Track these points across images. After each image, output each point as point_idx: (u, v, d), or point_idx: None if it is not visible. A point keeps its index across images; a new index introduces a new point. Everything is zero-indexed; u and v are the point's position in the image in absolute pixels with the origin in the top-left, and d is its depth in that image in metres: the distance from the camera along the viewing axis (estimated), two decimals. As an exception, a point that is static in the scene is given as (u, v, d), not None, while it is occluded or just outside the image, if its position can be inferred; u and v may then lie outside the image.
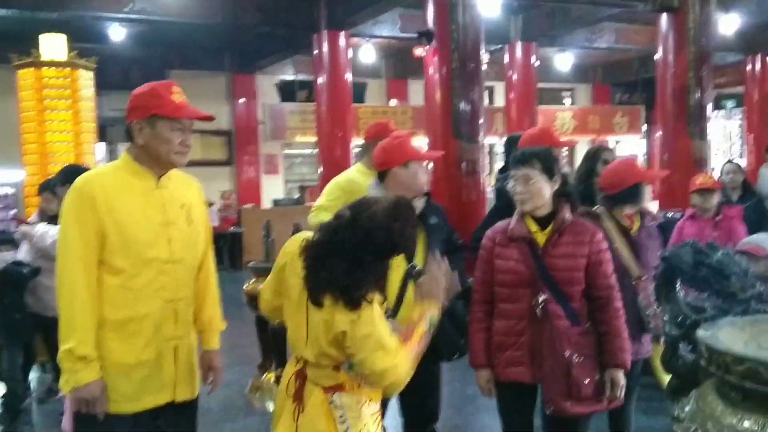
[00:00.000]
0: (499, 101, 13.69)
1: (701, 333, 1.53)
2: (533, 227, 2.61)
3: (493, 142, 13.16)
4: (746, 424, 1.39)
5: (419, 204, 2.97)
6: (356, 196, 3.87)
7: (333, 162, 9.42)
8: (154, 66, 11.91)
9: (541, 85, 12.81)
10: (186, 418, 2.39)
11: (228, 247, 11.17)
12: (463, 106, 7.27)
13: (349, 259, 1.92)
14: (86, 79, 6.72)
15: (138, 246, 2.19)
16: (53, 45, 6.43)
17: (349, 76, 9.87)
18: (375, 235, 1.93)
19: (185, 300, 2.31)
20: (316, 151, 12.50)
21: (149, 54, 11.54)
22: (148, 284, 2.21)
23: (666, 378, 3.02)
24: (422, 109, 13.13)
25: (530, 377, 2.59)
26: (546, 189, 2.57)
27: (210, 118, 2.38)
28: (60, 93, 6.39)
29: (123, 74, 11.23)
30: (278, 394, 2.19)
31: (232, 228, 11.40)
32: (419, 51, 7.57)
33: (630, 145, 16.70)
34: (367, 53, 11.81)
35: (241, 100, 13.10)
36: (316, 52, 9.74)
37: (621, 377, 2.55)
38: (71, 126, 6.49)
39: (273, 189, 13.40)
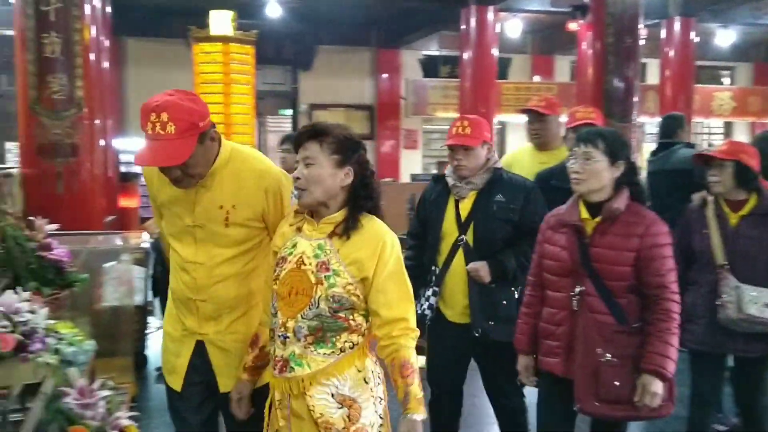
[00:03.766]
0: (652, 79, 12.99)
1: None
2: (584, 214, 2.45)
3: (644, 121, 12.55)
4: None
5: (484, 177, 3.02)
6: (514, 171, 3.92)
7: (474, 138, 9.39)
8: (305, 42, 12.36)
9: (698, 62, 12.02)
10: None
11: (367, 219, 11.46)
12: (616, 83, 7.01)
13: None
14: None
15: (170, 237, 2.27)
16: (223, 21, 6.83)
17: (495, 52, 9.75)
18: None
19: (210, 301, 2.23)
20: (456, 127, 12.48)
21: (301, 30, 11.96)
22: (177, 276, 2.26)
23: None
24: (568, 86, 12.82)
25: (563, 370, 2.45)
26: (605, 173, 2.39)
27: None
28: (242, 68, 6.83)
29: (276, 50, 11.73)
30: None
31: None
32: (572, 25, 7.38)
33: (796, 130, 15.31)
34: (514, 28, 11.60)
35: (385, 75, 13.30)
36: (463, 27, 9.69)
37: (654, 385, 2.29)
38: (249, 99, 6.92)
39: (411, 164, 13.56)
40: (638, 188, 2.47)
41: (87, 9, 4.91)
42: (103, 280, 3.84)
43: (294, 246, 2.01)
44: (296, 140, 2.03)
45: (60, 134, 4.81)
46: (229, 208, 2.18)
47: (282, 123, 13.15)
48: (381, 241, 1.96)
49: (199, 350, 2.25)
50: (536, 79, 13.87)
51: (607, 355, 2.33)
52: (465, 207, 3.03)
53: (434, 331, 3.16)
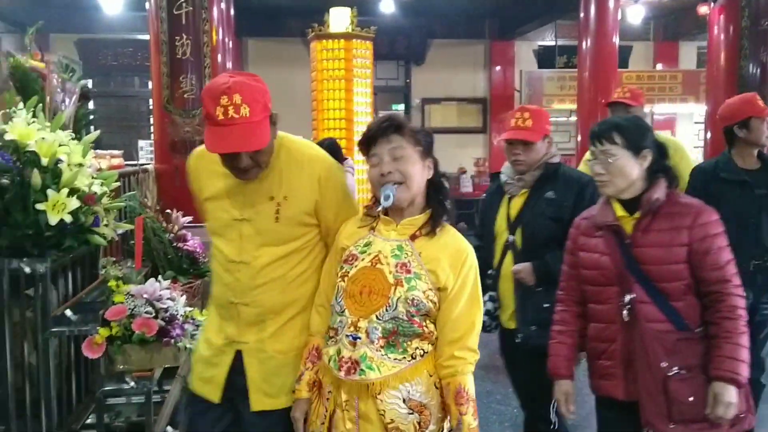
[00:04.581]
0: (789, 64, 12.05)
1: None
2: (620, 212, 2.18)
3: (779, 110, 11.67)
4: None
5: (534, 174, 2.80)
6: None
7: (593, 130, 9.07)
8: (418, 36, 12.38)
9: None
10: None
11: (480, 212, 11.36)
12: (751, 69, 6.53)
13: None
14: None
15: (212, 235, 2.09)
16: (342, 18, 6.96)
17: (616, 40, 9.37)
18: None
19: (253, 305, 2.03)
20: (572, 118, 12.10)
21: (414, 24, 11.99)
22: (219, 278, 2.09)
23: None
24: (693, 74, 12.13)
25: (624, 393, 2.16)
26: (631, 167, 2.13)
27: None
28: (363, 64, 6.98)
29: (388, 45, 11.81)
30: None
31: (484, 194, 11.57)
32: (703, 9, 6.94)
33: None
34: (636, 14, 11.10)
35: (498, 68, 13.11)
36: (582, 15, 9.37)
37: (728, 393, 2.01)
38: (369, 95, 7.06)
39: (525, 157, 13.29)
40: (669, 174, 2.19)
41: (214, 12, 5.15)
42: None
43: (367, 245, 1.92)
44: (380, 133, 1.90)
45: (190, 131, 5.08)
46: (281, 200, 1.98)
47: (394, 118, 13.27)
48: (464, 255, 1.90)
49: (237, 362, 2.04)
50: (659, 67, 13.21)
51: (675, 367, 2.06)
52: (515, 205, 2.85)
53: (500, 338, 3.02)
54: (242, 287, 2.00)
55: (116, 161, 4.57)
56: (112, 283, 2.56)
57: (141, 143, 12.20)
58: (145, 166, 5.00)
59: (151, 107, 12.47)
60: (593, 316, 2.25)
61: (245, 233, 1.99)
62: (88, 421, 3.06)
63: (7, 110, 2.43)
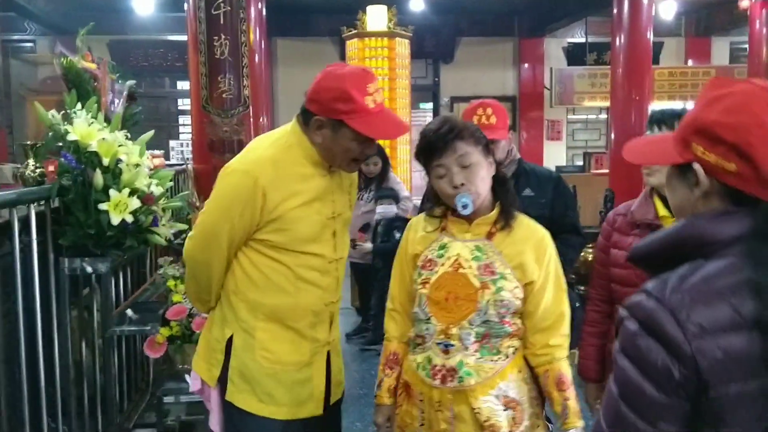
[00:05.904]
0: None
1: None
2: (662, 210, 2.00)
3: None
4: None
5: (509, 170, 2.66)
6: None
7: (626, 128, 8.92)
8: (446, 33, 12.32)
9: None
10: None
11: (510, 211, 11.28)
12: (794, 64, 6.44)
13: None
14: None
15: (302, 244, 2.00)
16: (379, 16, 6.95)
17: (650, 36, 9.25)
18: None
19: (339, 299, 2.09)
20: (602, 116, 11.95)
21: (442, 21, 11.94)
22: (308, 286, 2.02)
23: None
24: (726, 70, 11.93)
25: None
26: None
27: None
28: (402, 63, 6.97)
29: (417, 43, 11.77)
30: None
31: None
32: (744, 3, 6.83)
33: None
34: (668, 9, 10.95)
35: (527, 65, 13.02)
36: (615, 11, 9.27)
37: None
38: (407, 93, 7.04)
39: (555, 155, 13.18)
40: None
41: (252, 12, 5.15)
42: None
43: (443, 247, 1.88)
44: (444, 144, 1.82)
45: (228, 131, 5.08)
46: (349, 191, 2.08)
47: (421, 117, 13.20)
48: (544, 245, 1.87)
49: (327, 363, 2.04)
50: (690, 63, 13.03)
51: None
52: None
53: None
54: (338, 284, 2.03)
55: (158, 161, 4.59)
56: (170, 283, 2.56)
57: (171, 143, 12.31)
58: (183, 166, 5.03)
59: (180, 108, 12.63)
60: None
61: (338, 229, 2.00)
62: (141, 419, 3.07)
63: (67, 111, 2.44)
